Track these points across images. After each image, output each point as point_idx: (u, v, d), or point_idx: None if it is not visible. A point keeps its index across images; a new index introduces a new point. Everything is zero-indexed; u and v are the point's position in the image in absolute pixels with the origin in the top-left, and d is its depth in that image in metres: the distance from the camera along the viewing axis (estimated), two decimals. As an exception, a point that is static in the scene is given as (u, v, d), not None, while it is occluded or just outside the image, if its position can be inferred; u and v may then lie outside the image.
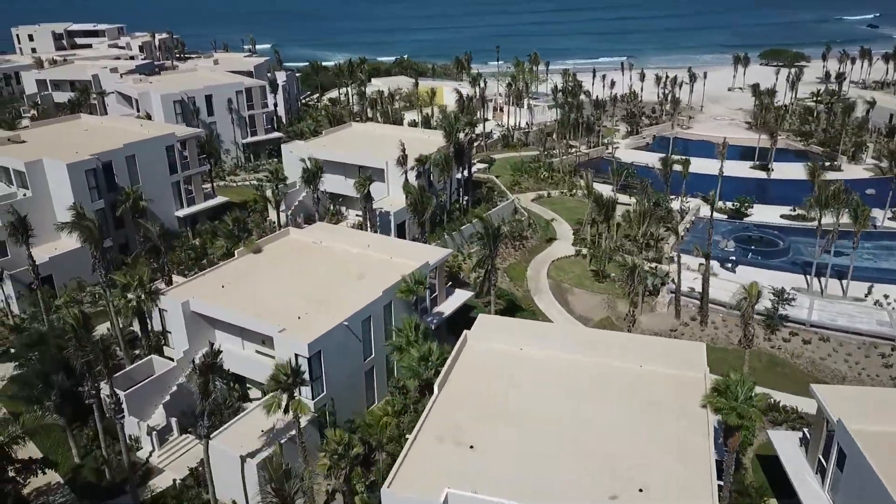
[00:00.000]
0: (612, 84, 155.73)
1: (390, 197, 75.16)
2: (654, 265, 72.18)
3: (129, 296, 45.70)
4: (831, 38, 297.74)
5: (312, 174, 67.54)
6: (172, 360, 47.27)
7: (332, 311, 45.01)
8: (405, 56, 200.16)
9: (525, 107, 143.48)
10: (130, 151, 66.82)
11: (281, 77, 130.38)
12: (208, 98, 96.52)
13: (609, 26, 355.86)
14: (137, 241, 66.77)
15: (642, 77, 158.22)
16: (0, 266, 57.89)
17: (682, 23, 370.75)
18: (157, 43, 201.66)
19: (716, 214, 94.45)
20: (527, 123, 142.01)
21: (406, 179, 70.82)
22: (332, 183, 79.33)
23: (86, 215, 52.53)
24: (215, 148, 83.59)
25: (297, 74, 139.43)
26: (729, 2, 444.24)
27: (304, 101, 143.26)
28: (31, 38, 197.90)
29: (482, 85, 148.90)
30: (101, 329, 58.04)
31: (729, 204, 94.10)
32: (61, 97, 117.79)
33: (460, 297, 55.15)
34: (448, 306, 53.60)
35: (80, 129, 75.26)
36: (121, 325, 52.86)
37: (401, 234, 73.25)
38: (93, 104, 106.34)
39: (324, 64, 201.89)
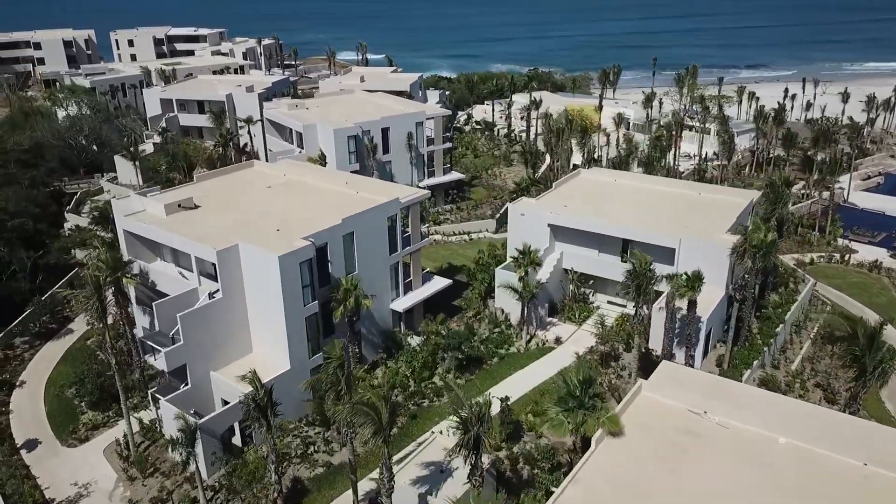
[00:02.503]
0: (808, 106, 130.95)
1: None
2: None
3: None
4: None
5: (646, 279, 45.50)
6: None
7: None
8: (542, 68, 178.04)
9: (712, 133, 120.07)
10: (349, 228, 46.92)
11: (433, 96, 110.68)
12: (385, 132, 76.79)
13: (722, 36, 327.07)
14: (354, 357, 47.02)
15: (845, 97, 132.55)
16: (189, 418, 38.41)
17: (805, 33, 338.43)
18: (261, 49, 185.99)
19: None
20: (714, 154, 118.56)
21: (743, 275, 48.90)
22: (577, 259, 58.54)
23: (339, 371, 32.18)
24: (426, 208, 63.65)
25: (447, 93, 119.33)
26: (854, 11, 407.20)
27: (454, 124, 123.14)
28: (130, 43, 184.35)
29: (658, 104, 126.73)
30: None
31: None
32: (189, 120, 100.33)
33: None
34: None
35: (259, 184, 55.91)
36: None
37: (705, 345, 51.59)
38: (229, 130, 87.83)
39: (443, 75, 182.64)
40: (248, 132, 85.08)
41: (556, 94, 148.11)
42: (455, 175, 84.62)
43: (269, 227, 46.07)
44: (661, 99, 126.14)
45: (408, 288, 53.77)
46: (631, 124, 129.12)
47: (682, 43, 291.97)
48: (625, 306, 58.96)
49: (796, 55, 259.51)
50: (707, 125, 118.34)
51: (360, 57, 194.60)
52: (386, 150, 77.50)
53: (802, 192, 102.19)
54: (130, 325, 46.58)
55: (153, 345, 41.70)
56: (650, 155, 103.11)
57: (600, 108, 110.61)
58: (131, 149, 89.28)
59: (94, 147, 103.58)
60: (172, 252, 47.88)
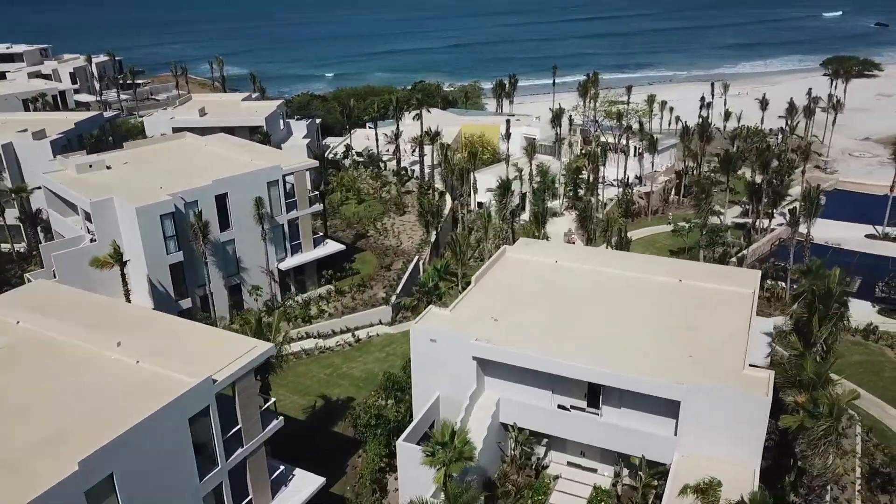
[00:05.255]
0: (728, 115, 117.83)
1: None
2: None
3: None
4: (837, 38, 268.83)
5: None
6: None
7: None
8: (430, 79, 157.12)
9: (633, 153, 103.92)
10: None
11: (299, 128, 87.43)
12: (221, 201, 53.20)
13: (603, 37, 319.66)
14: None
15: (765, 104, 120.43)
16: None
17: (675, 21, 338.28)
18: (93, 69, 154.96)
19: None
20: (637, 177, 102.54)
21: None
22: (523, 411, 38.10)
23: None
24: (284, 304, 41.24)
25: (318, 121, 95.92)
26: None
27: (327, 154, 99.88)
28: None
29: (570, 121, 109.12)
30: None
31: None
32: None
33: None
34: None
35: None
36: None
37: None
38: None
39: (317, 93, 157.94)
40: (23, 207, 58.68)
41: (447, 112, 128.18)
42: (333, 246, 61.80)
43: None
44: (570, 115, 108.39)
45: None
46: (537, 145, 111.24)
47: (566, 46, 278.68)
48: (595, 470, 39.20)
49: (680, 57, 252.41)
50: (623, 142, 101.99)
51: (217, 74, 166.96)
52: (225, 226, 54.00)
53: (742, 220, 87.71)
54: None
55: None
56: (571, 189, 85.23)
57: (508, 135, 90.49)
58: None
59: None
60: None
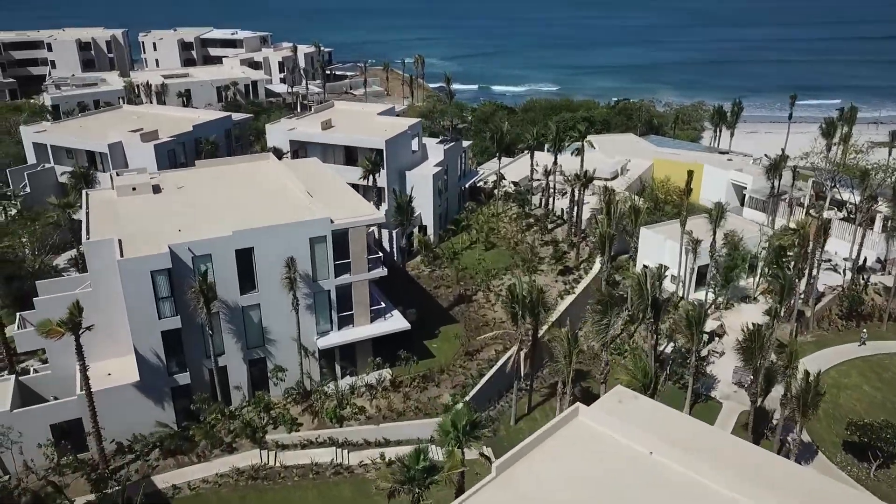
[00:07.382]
0: None
1: None
2: None
3: None
4: None
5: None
6: None
7: None
8: (650, 93, 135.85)
9: (876, 227, 76.26)
10: None
11: (436, 153, 74.38)
12: (244, 256, 42.03)
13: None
14: None
15: None
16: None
17: None
18: (300, 58, 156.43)
19: None
20: (878, 261, 74.78)
21: None
22: None
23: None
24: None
25: (467, 144, 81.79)
26: None
27: (477, 182, 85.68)
28: (155, 47, 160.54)
29: (794, 172, 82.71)
30: None
31: None
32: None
33: None
34: None
35: None
36: None
37: None
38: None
39: (508, 104, 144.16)
40: (67, 224, 52.80)
41: (644, 140, 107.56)
42: (395, 323, 47.99)
43: None
44: (794, 168, 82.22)
45: None
46: (746, 198, 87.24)
47: (856, 71, 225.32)
48: None
49: None
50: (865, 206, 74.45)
51: (417, 72, 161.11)
52: (250, 286, 42.82)
53: None
54: None
55: None
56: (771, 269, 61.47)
57: (687, 190, 67.50)
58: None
59: None
60: None
